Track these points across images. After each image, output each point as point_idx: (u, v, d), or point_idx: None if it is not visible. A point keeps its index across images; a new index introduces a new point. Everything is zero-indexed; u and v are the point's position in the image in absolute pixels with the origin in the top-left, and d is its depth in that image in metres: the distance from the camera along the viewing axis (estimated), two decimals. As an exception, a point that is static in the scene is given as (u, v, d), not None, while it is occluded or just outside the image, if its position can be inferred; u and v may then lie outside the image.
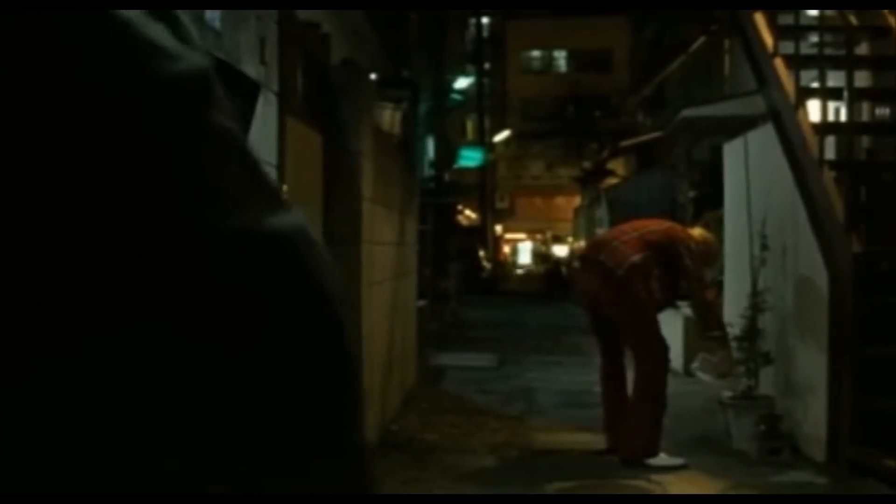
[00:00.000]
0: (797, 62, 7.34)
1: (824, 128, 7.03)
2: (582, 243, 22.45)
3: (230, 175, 0.52)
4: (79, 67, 0.48)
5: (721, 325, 7.15)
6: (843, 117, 7.46)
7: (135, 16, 0.50)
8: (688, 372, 10.22)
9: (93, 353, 0.47)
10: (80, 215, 0.47)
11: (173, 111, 0.50)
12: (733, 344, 7.21)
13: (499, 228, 43.46)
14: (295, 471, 0.51)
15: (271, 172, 4.56)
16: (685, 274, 6.96)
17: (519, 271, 41.34)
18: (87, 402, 0.47)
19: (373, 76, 9.61)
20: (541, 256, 48.69)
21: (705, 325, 7.12)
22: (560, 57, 50.42)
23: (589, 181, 27.30)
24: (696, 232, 7.56)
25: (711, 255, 7.56)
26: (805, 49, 7.60)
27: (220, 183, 0.51)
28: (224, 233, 0.50)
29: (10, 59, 0.47)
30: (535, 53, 50.59)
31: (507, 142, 42.22)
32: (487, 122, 35.65)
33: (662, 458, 6.66)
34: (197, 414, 0.49)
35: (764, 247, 7.48)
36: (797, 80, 7.19)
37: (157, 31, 0.51)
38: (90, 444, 0.47)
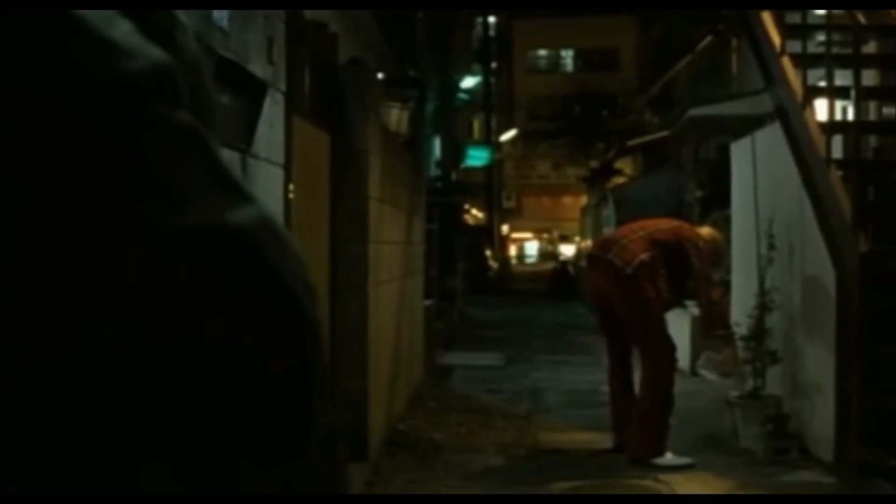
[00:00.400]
0: (804, 61, 7.33)
1: (831, 127, 7.01)
2: (589, 243, 22.42)
3: (187, 171, 0.51)
4: (27, 68, 0.47)
5: (726, 324, 7.14)
6: (850, 116, 7.45)
7: (94, 15, 0.49)
8: (694, 371, 10.21)
9: (46, 354, 0.46)
10: (26, 215, 0.47)
11: (123, 109, 0.49)
12: (740, 343, 7.20)
13: (505, 228, 43.40)
14: (255, 470, 0.51)
15: (278, 172, 4.55)
16: (693, 273, 6.95)
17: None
18: (44, 405, 0.46)
19: (380, 76, 9.61)
20: (547, 255, 48.67)
21: (710, 324, 7.11)
22: (567, 56, 50.40)
23: (596, 180, 27.19)
24: (705, 231, 7.56)
25: (719, 254, 7.55)
26: (812, 48, 7.58)
27: (174, 179, 0.50)
28: (178, 229, 0.49)
29: None
30: (542, 53, 50.56)
31: (513, 141, 42.11)
32: (494, 122, 35.56)
33: (669, 458, 6.65)
34: (153, 414, 0.48)
35: (771, 246, 7.46)
36: (804, 78, 7.18)
37: (119, 30, 0.50)
38: (50, 445, 0.47)
